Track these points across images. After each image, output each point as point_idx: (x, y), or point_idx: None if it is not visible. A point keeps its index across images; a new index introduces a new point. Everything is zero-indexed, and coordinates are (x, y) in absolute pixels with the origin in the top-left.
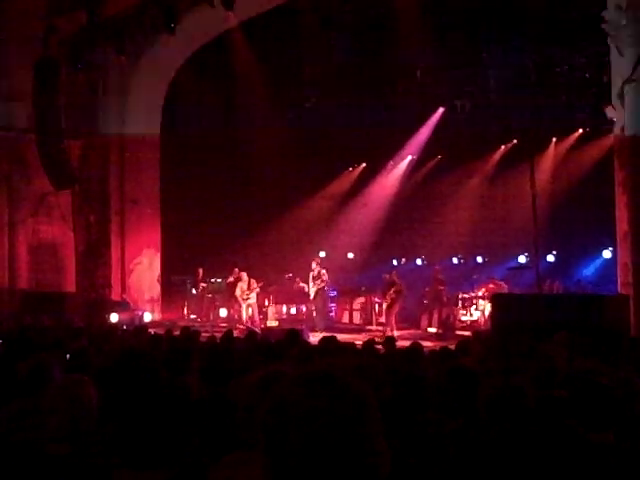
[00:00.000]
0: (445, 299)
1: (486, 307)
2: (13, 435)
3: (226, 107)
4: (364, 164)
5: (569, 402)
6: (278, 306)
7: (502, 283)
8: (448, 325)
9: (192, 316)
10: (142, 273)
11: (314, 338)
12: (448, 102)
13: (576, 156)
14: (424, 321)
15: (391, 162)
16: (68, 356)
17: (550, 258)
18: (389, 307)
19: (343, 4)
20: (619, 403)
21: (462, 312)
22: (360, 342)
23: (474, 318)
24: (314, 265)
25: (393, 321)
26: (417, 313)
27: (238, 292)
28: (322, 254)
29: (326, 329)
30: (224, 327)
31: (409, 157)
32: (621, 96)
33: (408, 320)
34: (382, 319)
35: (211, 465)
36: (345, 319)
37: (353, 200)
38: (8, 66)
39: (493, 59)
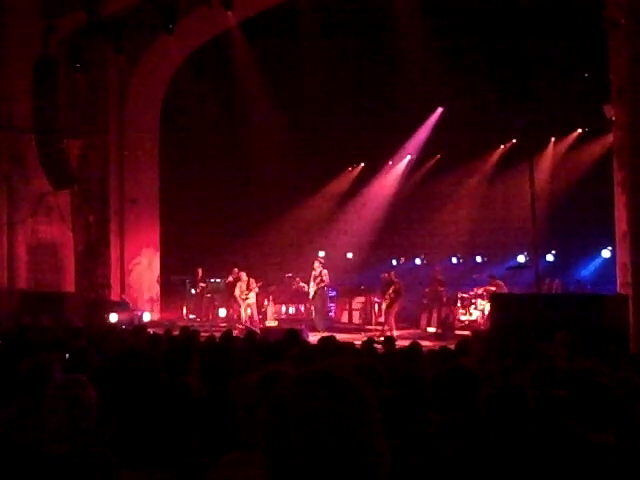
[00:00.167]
0: (444, 299)
1: (485, 307)
2: (13, 435)
3: (225, 107)
4: (363, 164)
5: (569, 402)
6: (277, 306)
7: (501, 283)
8: (447, 325)
9: (191, 316)
10: (141, 273)
11: (314, 338)
12: (447, 102)
13: (575, 156)
14: (423, 321)
15: (390, 162)
16: (67, 356)
17: (549, 258)
18: (388, 307)
19: (343, 4)
20: (619, 403)
21: (461, 312)
22: (359, 342)
23: (473, 318)
24: (317, 265)
25: (392, 321)
26: (416, 313)
27: (237, 292)
28: (321, 254)
29: (326, 329)
30: (223, 327)
31: (408, 157)
32: (620, 95)
33: (407, 320)
34: (381, 319)
35: (211, 465)
36: (344, 319)
37: (352, 200)
38: (7, 66)
39: (492, 59)
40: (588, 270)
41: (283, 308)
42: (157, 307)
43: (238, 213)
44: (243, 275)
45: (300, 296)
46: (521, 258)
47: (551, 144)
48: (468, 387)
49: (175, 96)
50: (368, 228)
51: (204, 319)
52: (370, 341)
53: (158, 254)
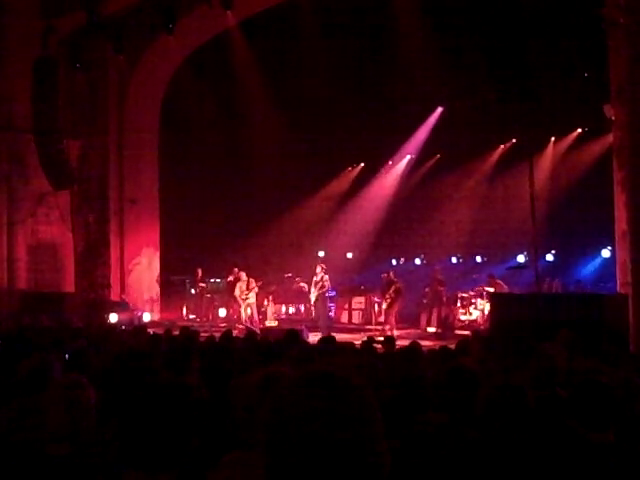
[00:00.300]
0: (444, 299)
1: (485, 306)
2: (13, 435)
3: (225, 107)
4: (363, 164)
5: (569, 401)
6: (277, 306)
7: (501, 282)
8: (447, 325)
9: (191, 316)
10: (141, 273)
11: (314, 338)
12: (447, 102)
13: (575, 155)
14: (423, 321)
15: (390, 162)
16: (67, 356)
17: (549, 257)
18: (389, 307)
19: (343, 3)
20: (619, 403)
21: (461, 311)
22: (359, 342)
23: (473, 317)
24: (319, 270)
25: (393, 320)
26: (416, 313)
27: (237, 292)
28: (321, 254)
29: (329, 331)
30: (223, 327)
31: (408, 157)
32: (620, 94)
33: (407, 320)
34: (381, 318)
35: (211, 465)
36: (344, 319)
37: (352, 200)
38: (7, 66)
39: (492, 58)
40: (588, 270)
41: (283, 308)
42: (157, 307)
43: (238, 213)
44: (243, 275)
45: (300, 296)
46: (521, 258)
47: (551, 144)
48: (468, 387)
49: (175, 96)
50: (368, 228)
51: (204, 319)
52: (370, 341)
53: (158, 254)
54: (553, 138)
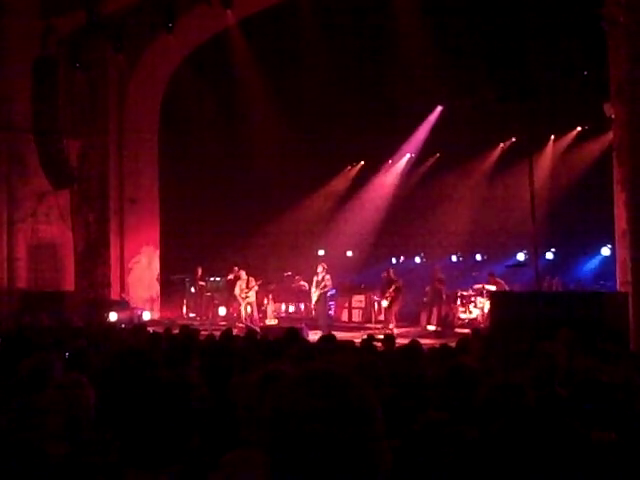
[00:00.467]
0: (444, 297)
1: (485, 305)
2: (13, 435)
3: (225, 106)
4: (362, 162)
5: (569, 400)
6: (277, 304)
7: (501, 281)
8: (447, 323)
9: (191, 315)
10: (141, 272)
11: (314, 336)
12: (447, 100)
13: (575, 154)
14: (423, 319)
15: (390, 160)
16: (67, 355)
17: (549, 256)
18: (390, 306)
19: (343, 3)
20: (620, 401)
21: (461, 310)
22: (359, 340)
23: (473, 316)
24: (320, 269)
25: (394, 319)
26: (416, 311)
27: (237, 291)
28: (321, 252)
29: (329, 329)
30: (223, 326)
31: (407, 155)
32: (620, 93)
33: (407, 318)
34: (381, 317)
35: (211, 464)
36: (344, 317)
37: (352, 199)
38: (7, 66)
39: (492, 57)
40: (588, 268)
41: (283, 306)
42: (157, 306)
43: (238, 212)
44: (243, 274)
45: (300, 294)
46: (521, 256)
47: (551, 142)
48: (468, 385)
49: (175, 95)
50: (368, 227)
51: (204, 318)
52: (370, 339)
53: (158, 253)
54: (553, 136)
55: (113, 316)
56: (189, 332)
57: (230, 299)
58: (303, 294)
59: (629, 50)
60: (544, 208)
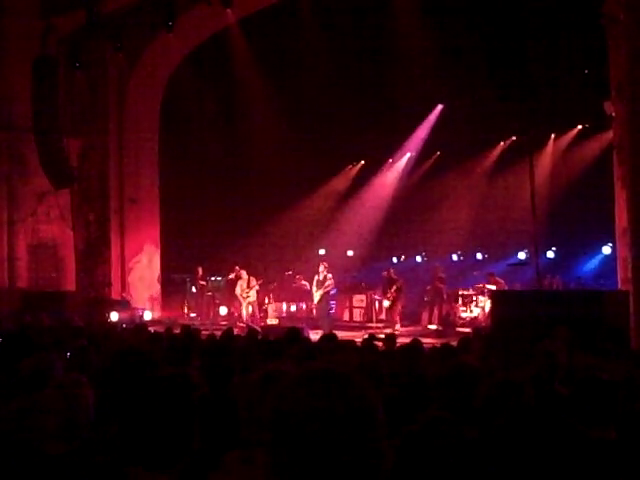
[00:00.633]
0: (445, 296)
1: (486, 304)
2: (13, 435)
3: (225, 105)
4: (363, 162)
5: (570, 398)
6: (278, 304)
7: (500, 280)
8: (448, 322)
9: (192, 314)
10: (142, 271)
11: (315, 336)
12: (447, 99)
13: (575, 152)
14: (425, 318)
15: (390, 160)
16: (68, 355)
17: (550, 254)
18: (392, 306)
19: (343, 2)
20: (620, 399)
21: (462, 309)
22: (360, 340)
23: (474, 315)
24: (321, 268)
25: (397, 318)
26: (417, 310)
27: (238, 290)
28: (322, 252)
29: (331, 329)
30: (224, 325)
31: (408, 154)
32: (620, 92)
33: (409, 317)
34: (382, 316)
35: (212, 464)
36: (345, 317)
37: (352, 198)
38: (7, 66)
39: (492, 55)
40: (588, 267)
41: (284, 306)
42: (158, 305)
43: (238, 211)
44: (243, 273)
45: (301, 294)
46: (521, 255)
47: (551, 141)
48: (469, 384)
49: (175, 95)
50: (368, 226)
51: (205, 317)
52: (371, 338)
53: (158, 252)
54: (553, 135)
55: (114, 316)
56: (190, 332)
57: (231, 299)
58: (304, 293)
59: (629, 48)
60: (544, 207)
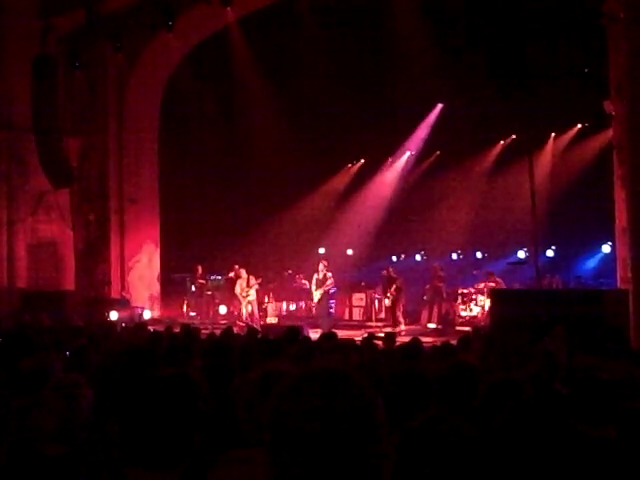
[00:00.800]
0: (445, 295)
1: (486, 302)
2: (12, 435)
3: (225, 104)
4: (363, 160)
5: (570, 398)
6: (278, 303)
7: (500, 280)
8: (448, 321)
9: (192, 313)
10: (141, 271)
11: (314, 335)
12: (447, 99)
13: (575, 151)
14: (424, 317)
15: (390, 159)
16: (68, 354)
17: (549, 253)
18: (393, 306)
19: (343, 1)
20: (620, 399)
21: (462, 308)
22: (360, 338)
23: (474, 314)
24: (321, 267)
25: (400, 317)
26: (417, 309)
27: (238, 289)
28: (321, 250)
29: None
30: (224, 324)
31: (407, 153)
32: (620, 90)
33: (408, 316)
34: (382, 315)
35: (211, 463)
36: (345, 316)
37: (352, 197)
38: (7, 65)
39: (491, 54)
40: (588, 265)
41: (284, 305)
42: (157, 305)
43: (238, 210)
44: (243, 272)
45: (300, 293)
46: (521, 254)
47: (551, 140)
48: (469, 383)
49: (175, 94)
50: (368, 225)
51: (204, 316)
52: (370, 337)
53: (158, 251)
54: (553, 134)
55: (114, 315)
56: (190, 331)
57: (231, 298)
58: (304, 292)
59: (629, 48)
60: (544, 206)
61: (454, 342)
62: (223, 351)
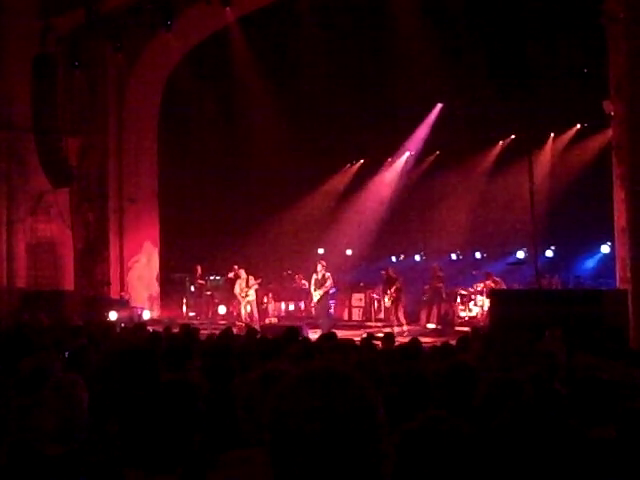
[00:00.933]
0: (444, 295)
1: (485, 303)
2: (12, 435)
3: (224, 104)
4: (362, 160)
5: (570, 398)
6: (277, 303)
7: (499, 280)
8: (447, 321)
9: (191, 313)
10: (141, 271)
11: (314, 335)
12: (446, 99)
13: (574, 151)
14: (423, 317)
15: (389, 159)
16: (67, 354)
17: (549, 253)
18: (395, 307)
19: (343, 1)
20: (620, 398)
21: (461, 308)
22: (359, 339)
23: (473, 314)
24: (319, 267)
25: (402, 317)
26: (416, 309)
27: (237, 289)
28: (320, 251)
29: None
30: (223, 324)
31: (407, 153)
32: (619, 90)
33: (408, 316)
34: (381, 315)
35: (211, 464)
36: (344, 316)
37: (352, 196)
38: (6, 65)
39: (491, 54)
40: (587, 265)
41: (283, 305)
42: (157, 305)
43: (237, 210)
44: (242, 272)
45: (300, 293)
46: (520, 254)
47: (550, 140)
48: (468, 383)
49: (174, 94)
50: (367, 225)
51: (204, 317)
52: (370, 337)
53: (157, 251)
54: (552, 134)
55: (113, 315)
56: (189, 331)
57: (230, 298)
58: (303, 293)
59: (629, 47)
60: (544, 206)
61: (453, 342)
62: (223, 351)
